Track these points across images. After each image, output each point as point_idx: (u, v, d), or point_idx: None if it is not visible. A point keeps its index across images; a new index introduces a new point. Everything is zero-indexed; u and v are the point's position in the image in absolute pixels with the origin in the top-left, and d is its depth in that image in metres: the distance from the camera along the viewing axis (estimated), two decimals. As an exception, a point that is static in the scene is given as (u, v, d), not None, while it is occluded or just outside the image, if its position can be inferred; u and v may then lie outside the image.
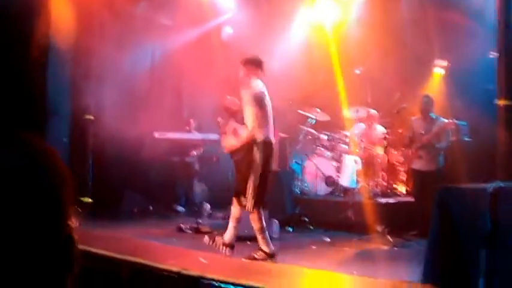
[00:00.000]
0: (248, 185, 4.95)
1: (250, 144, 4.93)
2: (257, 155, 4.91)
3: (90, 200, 8.44)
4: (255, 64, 5.19)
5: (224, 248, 5.16)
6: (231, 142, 5.17)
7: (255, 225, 5.13)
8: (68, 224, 1.02)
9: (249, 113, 4.93)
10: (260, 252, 5.08)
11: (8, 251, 0.89)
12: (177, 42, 9.78)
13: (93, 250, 3.40)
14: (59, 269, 1.00)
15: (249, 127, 4.95)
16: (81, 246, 3.31)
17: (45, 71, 8.41)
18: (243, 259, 5.05)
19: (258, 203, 5.02)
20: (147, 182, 9.51)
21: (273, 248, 5.14)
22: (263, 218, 5.13)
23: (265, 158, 4.98)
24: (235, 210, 5.16)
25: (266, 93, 5.14)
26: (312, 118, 8.90)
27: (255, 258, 5.05)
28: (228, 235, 5.19)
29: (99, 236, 4.44)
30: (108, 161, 9.05)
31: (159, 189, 9.45)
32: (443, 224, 3.73)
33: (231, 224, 5.22)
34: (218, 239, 5.30)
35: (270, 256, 5.06)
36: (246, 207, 5.02)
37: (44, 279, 0.95)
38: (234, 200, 5.15)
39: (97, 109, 8.81)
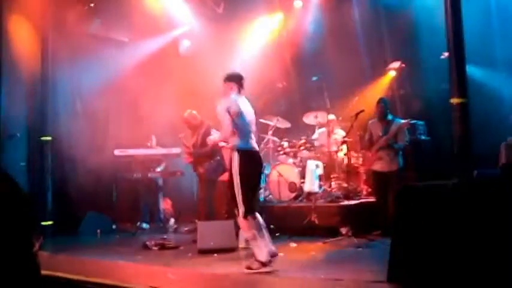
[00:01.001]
0: (236, 193, 5.11)
1: (231, 154, 5.21)
2: (236, 163, 5.12)
3: (51, 223, 8.28)
4: (232, 80, 5.45)
5: (268, 263, 5.11)
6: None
7: (246, 234, 5.24)
8: (31, 249, 1.03)
9: (223, 124, 5.21)
10: (256, 262, 5.11)
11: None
12: (134, 57, 9.74)
13: (59, 275, 3.34)
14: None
15: (221, 135, 5.36)
16: (46, 272, 3.28)
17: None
18: (245, 270, 5.06)
19: (249, 211, 5.09)
20: (109, 201, 9.38)
21: (268, 256, 5.10)
22: (255, 225, 5.13)
23: (248, 166, 5.16)
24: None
25: (245, 106, 5.39)
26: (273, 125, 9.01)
27: (251, 269, 5.07)
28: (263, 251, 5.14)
29: (63, 260, 4.36)
30: (69, 182, 8.90)
31: (123, 207, 9.34)
32: (405, 223, 3.83)
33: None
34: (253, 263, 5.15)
35: (265, 265, 5.09)
36: (238, 214, 5.14)
37: None
38: (236, 213, 5.23)
39: (55, 130, 8.67)
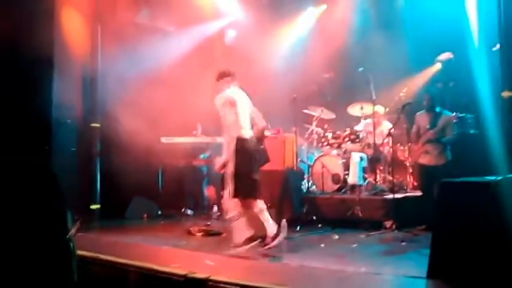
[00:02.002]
0: (231, 176, 5.56)
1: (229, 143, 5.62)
2: (232, 148, 5.55)
3: (98, 207, 8.54)
4: (224, 76, 5.93)
5: (277, 238, 5.54)
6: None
7: (231, 213, 5.64)
8: (66, 232, 1.06)
9: (223, 116, 5.67)
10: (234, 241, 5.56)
11: (9, 254, 0.93)
12: (180, 47, 9.84)
13: (102, 256, 3.45)
14: (59, 274, 1.03)
15: (224, 128, 5.71)
16: (90, 253, 3.40)
17: (50, 82, 8.52)
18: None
19: (238, 192, 5.52)
20: (155, 187, 9.58)
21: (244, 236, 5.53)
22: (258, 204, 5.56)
23: (243, 152, 5.58)
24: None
25: (240, 97, 5.81)
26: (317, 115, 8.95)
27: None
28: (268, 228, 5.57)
29: (107, 243, 4.50)
30: (117, 168, 9.13)
31: (168, 194, 9.52)
32: (446, 219, 3.74)
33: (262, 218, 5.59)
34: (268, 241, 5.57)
35: (242, 245, 5.50)
36: (224, 196, 5.60)
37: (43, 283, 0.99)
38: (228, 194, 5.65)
39: (104, 117, 8.90)
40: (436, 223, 3.87)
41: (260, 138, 6.45)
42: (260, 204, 5.73)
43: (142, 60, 9.07)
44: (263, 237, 5.77)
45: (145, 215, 8.93)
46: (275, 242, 5.59)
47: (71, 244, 1.11)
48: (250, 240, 5.54)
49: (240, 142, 5.63)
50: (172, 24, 10.15)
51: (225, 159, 5.74)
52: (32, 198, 0.97)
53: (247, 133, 5.77)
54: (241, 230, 5.59)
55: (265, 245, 5.59)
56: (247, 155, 5.69)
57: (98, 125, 8.87)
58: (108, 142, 9.04)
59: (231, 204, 5.64)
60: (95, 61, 8.80)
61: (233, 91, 5.80)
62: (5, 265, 0.92)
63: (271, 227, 5.63)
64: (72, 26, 8.53)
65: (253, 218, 5.74)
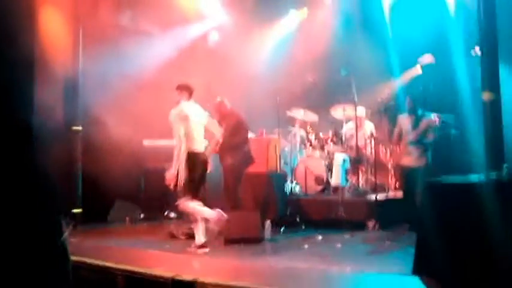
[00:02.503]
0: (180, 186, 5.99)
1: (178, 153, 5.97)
2: (183, 161, 5.95)
3: (80, 211, 8.45)
4: (183, 89, 6.32)
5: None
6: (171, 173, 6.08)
7: (192, 216, 6.10)
8: (60, 236, 1.05)
9: (174, 129, 6.02)
10: (194, 243, 6.02)
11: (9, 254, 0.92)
12: (163, 49, 9.79)
13: (87, 260, 3.41)
14: (56, 276, 1.02)
15: (175, 141, 6.02)
16: (74, 258, 3.34)
17: (31, 85, 8.41)
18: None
19: (185, 195, 6.05)
20: (137, 190, 9.51)
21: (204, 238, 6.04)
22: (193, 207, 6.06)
23: (191, 163, 6.01)
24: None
25: (192, 112, 6.19)
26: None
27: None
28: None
29: (91, 247, 4.46)
30: (98, 171, 9.04)
31: (151, 197, 9.45)
32: (430, 219, 3.79)
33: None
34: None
35: (203, 246, 5.97)
36: (182, 202, 6.07)
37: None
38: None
39: (85, 120, 8.81)
40: (421, 222, 3.92)
41: (215, 151, 6.90)
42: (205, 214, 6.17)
43: (124, 62, 9.00)
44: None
45: (127, 218, 8.85)
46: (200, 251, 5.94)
47: (66, 246, 1.10)
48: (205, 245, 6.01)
49: (192, 156, 6.06)
50: (155, 26, 10.09)
51: (174, 173, 6.02)
52: (30, 200, 0.96)
53: (199, 146, 6.21)
54: (200, 233, 6.05)
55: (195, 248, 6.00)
56: (198, 167, 6.14)
57: (79, 128, 8.77)
58: (90, 145, 8.94)
59: (194, 207, 6.11)
60: (76, 63, 8.70)
61: (188, 105, 6.21)
62: (5, 267, 0.91)
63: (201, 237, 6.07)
64: (53, 26, 8.42)
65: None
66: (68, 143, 8.83)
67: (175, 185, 6.02)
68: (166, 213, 9.02)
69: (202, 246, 6.00)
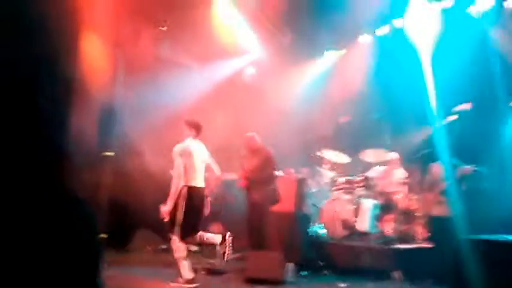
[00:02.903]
0: (177, 220, 6.10)
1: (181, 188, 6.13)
2: (181, 197, 6.10)
3: (105, 236, 8.46)
4: (186, 125, 6.52)
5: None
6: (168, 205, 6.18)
7: (178, 254, 6.18)
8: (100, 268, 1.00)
9: (176, 164, 6.18)
10: (180, 279, 6.10)
11: None
12: (200, 83, 9.91)
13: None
14: None
15: (175, 176, 6.15)
16: None
17: (69, 109, 8.60)
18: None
19: (182, 235, 6.13)
20: (161, 220, 9.49)
21: (192, 274, 6.14)
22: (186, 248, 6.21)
23: (189, 199, 6.14)
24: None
25: (196, 149, 6.37)
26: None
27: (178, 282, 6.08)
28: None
29: (111, 277, 4.43)
30: (125, 198, 9.09)
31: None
32: (466, 275, 3.62)
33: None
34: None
35: (190, 282, 6.07)
36: (173, 238, 6.15)
37: None
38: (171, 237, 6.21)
39: (119, 147, 8.91)
40: (455, 277, 3.74)
41: (214, 186, 6.83)
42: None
43: (161, 93, 9.14)
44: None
45: (149, 248, 8.82)
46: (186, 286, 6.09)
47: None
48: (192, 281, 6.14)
49: (191, 190, 6.18)
50: (193, 59, 10.26)
51: (170, 208, 6.13)
52: (68, 224, 0.93)
53: (199, 183, 6.31)
54: (186, 269, 6.17)
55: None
56: (198, 203, 6.27)
57: (112, 153, 8.87)
58: (120, 172, 9.02)
59: (180, 246, 6.19)
60: (113, 89, 8.88)
61: (194, 143, 6.41)
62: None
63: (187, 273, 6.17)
64: (93, 51, 8.63)
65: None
66: (99, 167, 8.93)
67: (170, 220, 6.15)
68: (188, 246, 8.94)
69: (189, 281, 6.11)
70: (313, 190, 9.01)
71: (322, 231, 8.41)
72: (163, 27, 9.58)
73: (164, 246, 9.04)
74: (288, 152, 9.04)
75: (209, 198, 6.55)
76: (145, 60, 9.10)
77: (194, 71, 10.08)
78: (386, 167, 8.37)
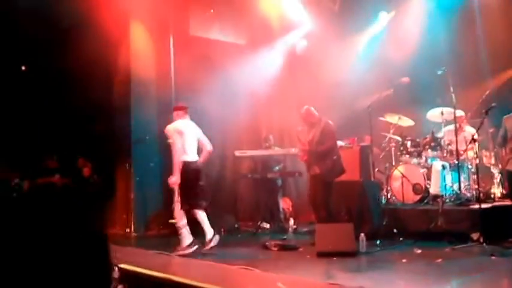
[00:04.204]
0: (177, 192, 6.76)
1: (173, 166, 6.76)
2: (182, 171, 6.71)
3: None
4: (175, 110, 7.13)
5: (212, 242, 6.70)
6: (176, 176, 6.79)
7: (178, 223, 6.74)
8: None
9: (172, 142, 6.82)
10: (179, 246, 6.62)
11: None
12: (251, 60, 9.84)
13: (174, 278, 3.45)
14: None
15: (173, 151, 6.80)
16: (163, 275, 3.36)
17: (128, 101, 8.82)
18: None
19: (184, 205, 6.72)
20: (232, 200, 9.63)
21: (191, 238, 6.69)
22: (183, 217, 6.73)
23: (189, 173, 6.76)
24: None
25: (188, 127, 6.95)
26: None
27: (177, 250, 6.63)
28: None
29: (181, 263, 4.53)
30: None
31: (244, 207, 9.53)
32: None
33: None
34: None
35: (192, 245, 6.62)
36: (175, 208, 6.76)
37: None
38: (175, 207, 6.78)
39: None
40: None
41: (206, 159, 7.23)
42: (201, 215, 6.83)
43: (215, 75, 9.17)
44: None
45: (222, 229, 8.95)
46: (211, 245, 6.70)
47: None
48: (192, 244, 6.67)
49: (186, 164, 6.76)
50: (243, 38, 10.20)
51: (177, 179, 6.75)
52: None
53: (192, 157, 6.89)
54: (186, 236, 6.67)
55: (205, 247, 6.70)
56: (191, 175, 6.82)
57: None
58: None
59: (180, 214, 6.74)
60: (169, 79, 9.00)
61: (182, 123, 6.95)
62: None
63: (209, 232, 6.74)
64: (144, 45, 8.78)
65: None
66: (167, 154, 9.13)
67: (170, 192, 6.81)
68: (259, 223, 9.04)
69: (189, 245, 6.62)
70: (380, 157, 8.78)
71: (393, 198, 8.19)
72: (211, 9, 9.57)
73: (236, 226, 9.15)
74: (350, 120, 8.84)
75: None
76: (198, 44, 9.13)
77: (244, 49, 10.00)
78: (454, 125, 7.96)
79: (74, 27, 7.70)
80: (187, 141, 6.88)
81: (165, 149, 8.83)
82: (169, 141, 6.90)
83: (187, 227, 6.75)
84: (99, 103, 8.06)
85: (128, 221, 9.03)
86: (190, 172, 6.81)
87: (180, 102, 7.37)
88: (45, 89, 8.26)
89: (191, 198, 6.81)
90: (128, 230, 8.68)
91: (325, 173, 7.18)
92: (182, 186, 6.74)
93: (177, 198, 6.75)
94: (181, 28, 9.15)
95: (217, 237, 6.81)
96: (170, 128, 6.90)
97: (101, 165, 8.74)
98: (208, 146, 7.14)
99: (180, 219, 6.74)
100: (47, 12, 7.56)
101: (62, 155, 8.32)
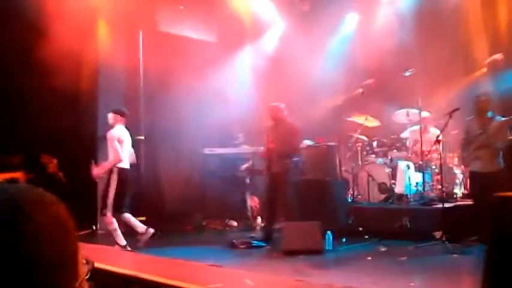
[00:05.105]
0: (108, 197, 6.77)
1: (110, 170, 6.80)
2: (114, 177, 6.77)
3: (144, 219, 8.59)
4: (118, 113, 7.03)
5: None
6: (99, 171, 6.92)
7: (110, 227, 6.86)
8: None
9: (111, 149, 6.79)
10: (116, 245, 6.73)
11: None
12: (222, 58, 9.83)
13: (142, 276, 3.42)
14: None
15: (110, 158, 6.80)
16: (131, 272, 3.31)
17: (96, 96, 8.69)
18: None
19: (115, 210, 6.80)
20: (199, 198, 9.60)
21: (125, 242, 6.80)
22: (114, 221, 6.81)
23: (124, 180, 6.86)
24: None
25: (126, 136, 7.01)
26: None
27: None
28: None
29: (149, 260, 4.50)
30: (160, 179, 9.21)
31: (212, 205, 9.51)
32: (500, 235, 3.50)
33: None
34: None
35: (124, 247, 6.71)
36: (107, 213, 6.79)
37: None
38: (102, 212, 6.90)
39: (147, 130, 8.98)
40: (492, 239, 3.61)
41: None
42: (129, 217, 7.02)
43: (184, 72, 9.11)
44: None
45: (189, 227, 8.94)
46: (146, 236, 6.93)
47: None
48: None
49: (122, 172, 6.84)
50: (213, 35, 10.17)
51: (101, 172, 6.86)
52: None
53: (127, 165, 6.99)
54: (120, 238, 6.82)
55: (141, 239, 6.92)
56: (125, 182, 6.94)
57: (142, 137, 8.95)
58: (152, 154, 9.12)
59: (111, 220, 6.81)
60: (137, 74, 8.90)
61: (122, 130, 7.00)
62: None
63: (140, 226, 7.00)
64: (113, 40, 8.66)
65: None
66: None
67: (103, 197, 6.84)
68: (227, 221, 9.05)
69: (123, 247, 6.73)
70: (347, 156, 8.91)
71: (359, 197, 8.32)
72: (180, 6, 9.51)
73: (204, 224, 9.13)
74: (317, 120, 8.92)
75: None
76: (167, 40, 9.05)
77: (215, 46, 9.98)
78: (419, 126, 8.14)
79: (39, 21, 7.52)
80: (125, 149, 6.98)
81: (133, 145, 8.78)
82: (111, 145, 6.84)
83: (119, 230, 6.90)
84: (65, 99, 7.90)
85: (93, 219, 8.89)
86: (125, 180, 6.94)
87: (122, 107, 7.36)
88: (7, 82, 8.06)
89: (123, 205, 6.96)
90: (93, 227, 8.55)
91: (284, 172, 7.23)
92: (117, 192, 6.82)
93: (110, 203, 6.78)
94: (151, 24, 9.06)
95: (151, 230, 6.98)
96: (115, 134, 6.88)
97: (66, 162, 8.59)
98: (134, 157, 7.38)
99: (113, 224, 6.83)
100: (11, 6, 7.39)
101: (26, 151, 8.14)
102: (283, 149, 7.21)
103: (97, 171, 6.92)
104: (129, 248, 6.74)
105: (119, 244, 6.79)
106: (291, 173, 7.34)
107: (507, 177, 6.84)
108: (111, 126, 7.01)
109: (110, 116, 7.06)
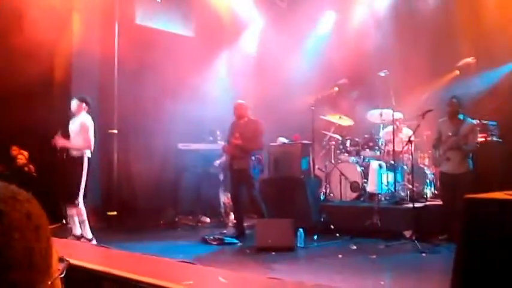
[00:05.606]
0: (79, 187, 6.69)
1: (80, 158, 6.73)
2: (85, 167, 6.72)
3: (115, 213, 8.52)
4: (83, 101, 6.95)
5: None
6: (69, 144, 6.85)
7: (82, 217, 6.81)
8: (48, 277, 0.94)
9: (83, 136, 6.76)
10: (72, 236, 6.75)
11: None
12: (200, 53, 9.77)
13: (114, 272, 3.38)
14: None
15: (80, 144, 6.76)
16: (102, 268, 3.26)
17: (69, 88, 8.54)
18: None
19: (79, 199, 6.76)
20: (172, 193, 9.54)
21: (80, 232, 6.81)
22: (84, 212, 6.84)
23: (88, 169, 6.78)
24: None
25: (92, 123, 6.90)
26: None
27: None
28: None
29: (120, 255, 4.45)
30: (133, 174, 9.12)
31: (185, 200, 9.46)
32: (472, 236, 3.58)
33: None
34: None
35: (80, 237, 6.74)
36: (79, 202, 6.74)
37: None
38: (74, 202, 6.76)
39: (121, 124, 8.88)
40: (461, 238, 3.69)
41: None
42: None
43: (161, 67, 9.03)
44: None
45: (161, 222, 8.89)
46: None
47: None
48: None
49: (89, 161, 6.81)
50: (191, 30, 10.10)
51: (65, 144, 6.82)
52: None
53: (90, 154, 6.92)
54: (87, 230, 6.82)
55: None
56: (89, 172, 6.84)
57: (115, 131, 8.84)
58: (125, 148, 9.02)
59: (82, 210, 6.81)
60: (112, 67, 8.78)
61: (88, 118, 6.91)
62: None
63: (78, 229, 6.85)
64: (88, 31, 8.52)
65: None
66: (105, 145, 8.92)
67: (74, 187, 6.72)
68: (200, 217, 9.03)
69: (90, 240, 6.75)
70: (320, 154, 8.97)
71: (332, 195, 8.40)
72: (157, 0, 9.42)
73: (176, 219, 9.08)
74: (292, 118, 8.96)
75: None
76: (143, 34, 8.95)
77: (193, 42, 9.92)
78: (392, 127, 8.25)
79: (13, 10, 7.36)
80: (91, 137, 6.90)
81: (106, 139, 8.69)
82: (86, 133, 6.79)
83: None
84: (37, 90, 7.75)
85: (65, 213, 8.77)
86: (89, 169, 6.87)
87: (86, 96, 7.19)
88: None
89: (83, 194, 6.87)
90: (64, 221, 8.44)
91: (247, 168, 7.37)
92: (82, 181, 6.74)
93: (81, 193, 6.74)
94: (127, 16, 8.94)
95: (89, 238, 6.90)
96: (89, 123, 6.85)
97: (38, 154, 8.44)
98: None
99: (85, 214, 6.82)
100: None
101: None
102: (247, 146, 7.29)
103: (63, 142, 6.83)
104: (95, 242, 6.70)
105: (84, 237, 6.79)
106: (252, 169, 7.44)
107: (476, 178, 7.01)
108: (74, 114, 6.98)
109: (75, 103, 6.97)
